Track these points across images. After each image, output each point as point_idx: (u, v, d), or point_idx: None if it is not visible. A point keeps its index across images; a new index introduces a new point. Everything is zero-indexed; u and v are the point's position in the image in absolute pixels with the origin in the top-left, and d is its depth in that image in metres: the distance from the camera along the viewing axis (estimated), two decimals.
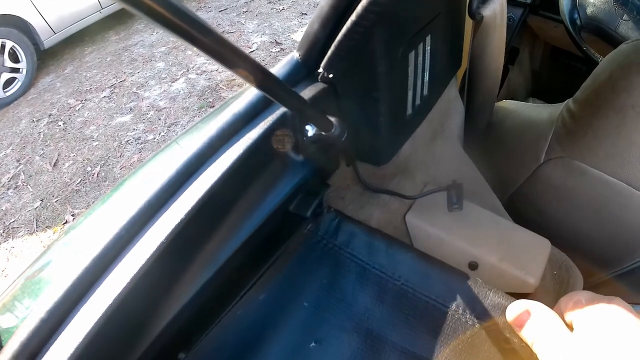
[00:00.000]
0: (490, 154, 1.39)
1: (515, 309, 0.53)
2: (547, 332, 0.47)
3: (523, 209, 1.29)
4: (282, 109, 0.61)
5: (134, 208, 0.52)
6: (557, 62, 2.40)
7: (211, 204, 0.54)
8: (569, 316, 0.48)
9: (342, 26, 0.61)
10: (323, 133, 0.61)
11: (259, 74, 0.43)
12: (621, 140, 1.02)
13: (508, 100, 1.64)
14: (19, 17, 4.91)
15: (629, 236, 1.16)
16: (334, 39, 0.62)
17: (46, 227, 3.40)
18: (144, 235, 0.51)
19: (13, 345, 0.45)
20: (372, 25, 0.60)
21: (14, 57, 5.00)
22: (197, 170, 0.56)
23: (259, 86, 0.45)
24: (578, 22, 1.85)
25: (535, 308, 0.51)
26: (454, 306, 0.58)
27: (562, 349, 0.45)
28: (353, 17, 0.59)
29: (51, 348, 0.45)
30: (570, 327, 0.47)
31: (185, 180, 0.55)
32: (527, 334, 0.50)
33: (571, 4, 1.85)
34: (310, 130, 0.63)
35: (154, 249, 0.49)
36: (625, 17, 1.73)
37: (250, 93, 0.63)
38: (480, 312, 0.56)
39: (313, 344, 0.57)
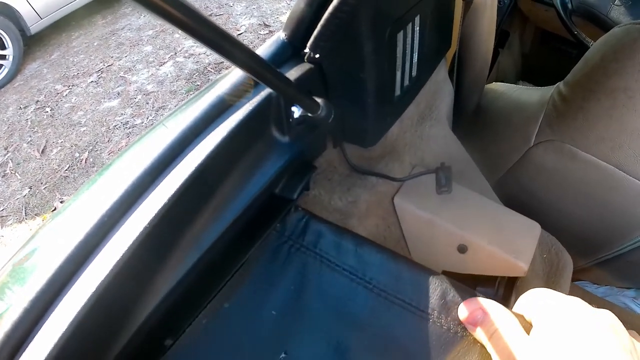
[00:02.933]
0: (479, 136, 1.39)
1: (468, 307, 0.52)
2: (502, 332, 0.47)
3: (513, 192, 1.29)
4: (267, 90, 0.60)
5: (117, 193, 0.51)
6: (547, 45, 2.40)
7: (195, 188, 0.53)
8: (528, 315, 0.48)
9: (328, 5, 0.60)
10: (309, 114, 0.60)
11: (242, 55, 0.42)
12: (612, 123, 1.02)
13: (498, 83, 1.64)
14: (4, 3, 4.86)
15: (618, 220, 1.16)
16: (320, 18, 0.62)
17: (35, 214, 3.40)
18: (127, 220, 0.50)
19: None
20: (358, 3, 0.59)
21: (0, 44, 4.96)
22: (181, 153, 0.55)
23: (243, 67, 0.44)
24: (569, 5, 1.85)
25: (489, 307, 0.50)
26: (428, 310, 0.57)
27: (517, 350, 0.44)
28: None
29: (36, 337, 0.44)
30: (529, 325, 0.47)
31: (169, 163, 0.54)
32: (480, 334, 0.49)
33: None
34: (297, 112, 0.63)
35: (138, 234, 0.48)
36: (617, 1, 1.74)
37: (235, 74, 0.62)
38: (456, 316, 0.56)
39: (283, 355, 0.55)
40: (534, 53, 2.51)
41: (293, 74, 0.64)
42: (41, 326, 0.45)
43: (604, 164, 1.07)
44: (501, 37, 2.27)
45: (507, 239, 0.90)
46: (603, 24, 1.77)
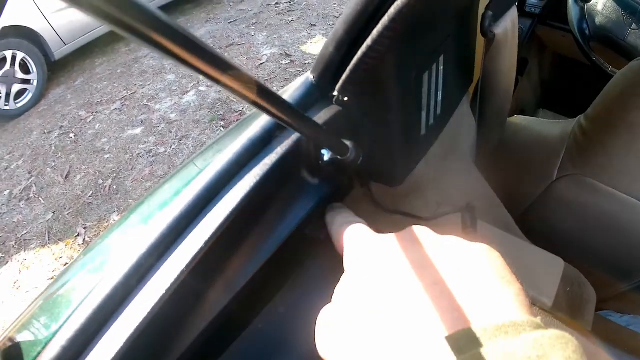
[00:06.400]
0: (502, 170, 1.39)
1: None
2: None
3: (536, 225, 1.29)
4: (297, 134, 0.62)
5: (155, 234, 0.53)
6: (566, 71, 2.40)
7: (230, 230, 0.54)
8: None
9: (356, 50, 0.61)
10: (339, 157, 0.62)
11: (271, 103, 0.43)
12: (632, 157, 1.02)
13: (519, 116, 1.64)
14: (29, 28, 4.94)
15: None
16: (349, 62, 0.63)
17: (58, 239, 3.41)
18: (165, 262, 0.52)
19: None
20: (386, 50, 0.60)
21: (25, 69, 5.04)
22: (216, 197, 0.57)
23: (273, 115, 0.44)
24: (587, 31, 1.85)
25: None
26: None
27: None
28: (368, 41, 0.60)
29: None
30: None
31: (205, 206, 0.56)
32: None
33: (580, 14, 1.86)
34: (326, 155, 0.64)
35: (176, 277, 0.49)
36: (634, 26, 1.73)
37: (265, 117, 0.63)
38: None
39: None
40: (553, 80, 2.51)
41: (322, 116, 0.65)
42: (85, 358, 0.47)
43: (626, 197, 1.08)
44: (520, 65, 2.28)
45: (531, 276, 0.91)
46: (621, 49, 1.77)
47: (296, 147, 0.62)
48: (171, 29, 0.30)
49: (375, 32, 0.59)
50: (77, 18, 5.27)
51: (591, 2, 1.84)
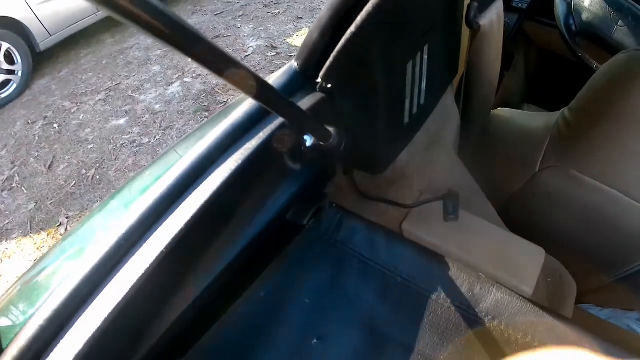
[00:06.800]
0: (485, 161, 1.39)
1: None
2: None
3: (518, 216, 1.29)
4: (280, 119, 0.61)
5: (134, 216, 0.52)
6: (552, 67, 2.40)
7: (210, 214, 0.54)
8: None
9: (341, 37, 0.61)
10: (321, 143, 0.61)
11: (256, 85, 0.43)
12: (617, 150, 1.02)
13: (504, 108, 1.65)
14: (15, 19, 4.88)
15: (623, 243, 1.16)
16: (333, 49, 0.63)
17: (40, 229, 3.39)
18: (144, 244, 0.51)
19: (12, 352, 0.45)
20: (371, 37, 0.60)
21: (10, 59, 4.97)
22: (197, 180, 0.56)
23: (257, 97, 0.44)
24: (573, 27, 1.85)
25: None
26: (457, 302, 0.59)
27: None
28: (352, 28, 0.59)
29: (51, 355, 0.45)
30: None
31: (185, 190, 0.56)
32: None
33: (566, 10, 1.86)
34: (309, 140, 0.63)
35: (155, 258, 0.49)
36: (620, 23, 1.73)
37: (248, 103, 0.63)
38: (483, 309, 0.57)
39: (315, 340, 0.57)
40: (539, 75, 2.51)
41: (306, 103, 0.65)
42: (57, 344, 0.46)
43: (609, 190, 1.08)
44: (506, 60, 2.28)
45: (512, 265, 0.91)
46: (607, 46, 1.77)
47: (279, 132, 0.61)
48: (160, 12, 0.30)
49: (359, 19, 0.59)
50: (62, 9, 5.22)
51: None
